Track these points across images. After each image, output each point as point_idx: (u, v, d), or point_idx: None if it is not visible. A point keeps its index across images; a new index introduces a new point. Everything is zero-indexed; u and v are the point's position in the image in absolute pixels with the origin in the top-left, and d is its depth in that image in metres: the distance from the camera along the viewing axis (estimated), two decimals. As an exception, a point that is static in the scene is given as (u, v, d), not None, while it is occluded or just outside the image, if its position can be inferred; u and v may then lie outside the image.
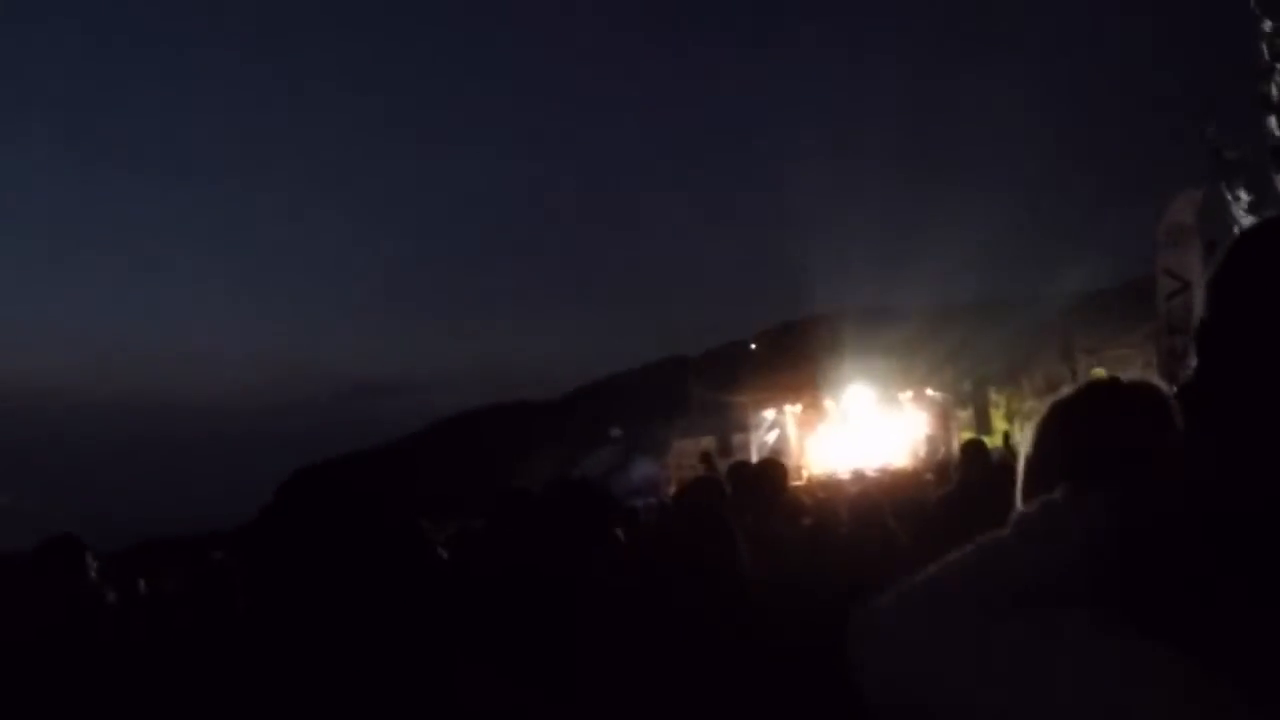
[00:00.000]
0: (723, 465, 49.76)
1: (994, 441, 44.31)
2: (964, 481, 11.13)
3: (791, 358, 54.20)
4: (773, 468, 10.39)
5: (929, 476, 31.00)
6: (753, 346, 61.74)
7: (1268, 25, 16.34)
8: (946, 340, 49.73)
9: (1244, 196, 18.48)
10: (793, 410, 49.21)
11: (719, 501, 8.54)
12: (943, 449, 44.91)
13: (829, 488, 23.58)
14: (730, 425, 51.22)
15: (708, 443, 51.11)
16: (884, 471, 39.22)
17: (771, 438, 49.97)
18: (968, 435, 46.12)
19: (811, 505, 11.92)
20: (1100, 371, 40.73)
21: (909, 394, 48.38)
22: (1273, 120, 15.26)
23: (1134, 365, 42.01)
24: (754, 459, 48.61)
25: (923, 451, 45.70)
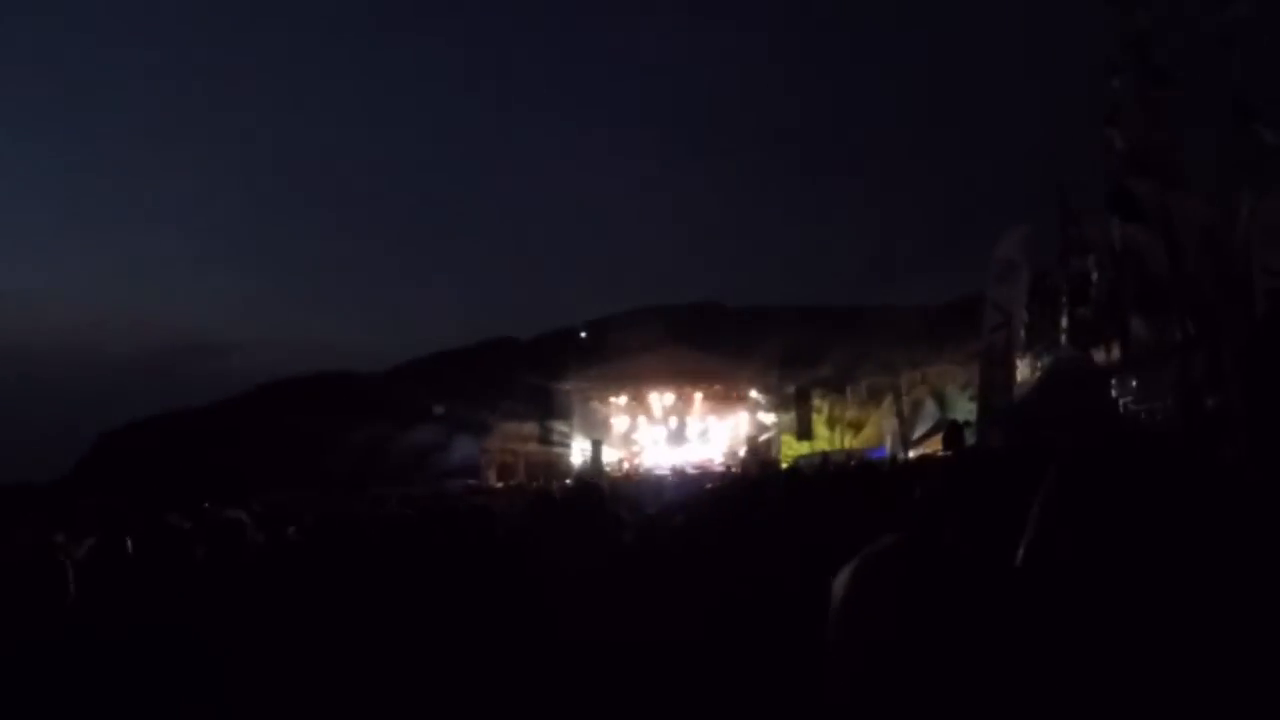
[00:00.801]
0: (543, 451, 50.04)
1: (814, 446, 45.10)
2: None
3: (620, 349, 54.17)
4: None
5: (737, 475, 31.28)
6: (583, 335, 61.61)
7: (1116, 82, 16.75)
8: (773, 342, 50.15)
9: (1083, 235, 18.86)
10: (617, 402, 49.25)
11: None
12: (764, 450, 45.54)
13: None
14: (555, 412, 51.02)
15: (530, 429, 50.93)
16: (702, 470, 39.54)
17: (596, 427, 49.99)
18: (787, 438, 47.03)
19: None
20: (923, 386, 41.68)
21: (734, 394, 48.84)
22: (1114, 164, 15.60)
23: (955, 382, 43.00)
24: (578, 447, 48.88)
25: (742, 452, 46.25)
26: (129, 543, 8.71)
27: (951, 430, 21.94)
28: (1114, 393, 13.01)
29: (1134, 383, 12.70)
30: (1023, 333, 17.87)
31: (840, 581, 2.38)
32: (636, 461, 46.13)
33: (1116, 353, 17.70)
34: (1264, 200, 18.16)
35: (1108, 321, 18.26)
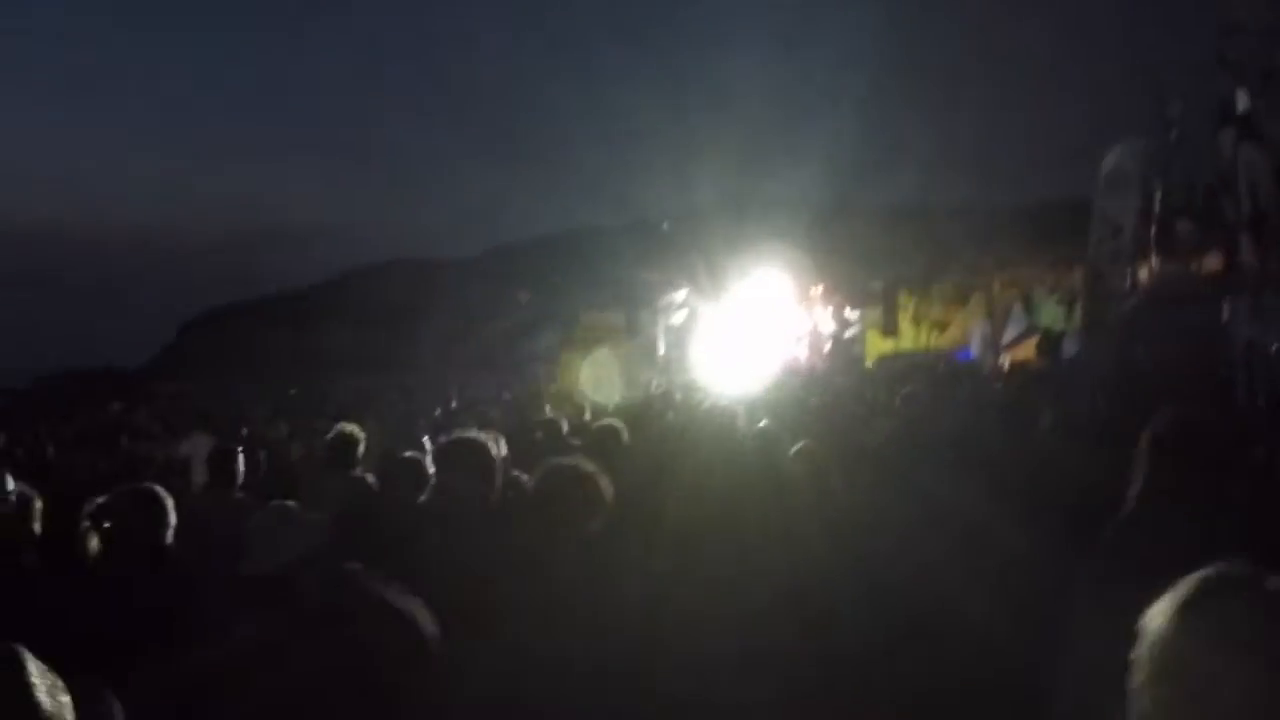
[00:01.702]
0: (630, 340, 50.28)
1: (899, 345, 44.96)
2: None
3: (707, 241, 54.06)
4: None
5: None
6: (665, 226, 61.45)
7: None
8: (860, 238, 49.97)
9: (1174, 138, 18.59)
10: (702, 294, 49.29)
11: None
12: (849, 348, 45.49)
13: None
14: (639, 301, 51.20)
15: (616, 319, 51.14)
16: (789, 366, 39.76)
17: (679, 319, 50.12)
18: (872, 335, 46.89)
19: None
20: (1011, 288, 41.35)
21: (819, 288, 48.62)
22: (1229, 80, 15.35)
23: (1043, 285, 42.56)
24: (660, 341, 49.16)
25: (827, 349, 46.17)
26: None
27: (1046, 340, 21.93)
28: (1225, 314, 13.07)
29: (1246, 307, 12.73)
30: (1133, 246, 17.83)
31: (1163, 619, 2.06)
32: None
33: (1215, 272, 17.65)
34: (1115, 144, 17.93)
35: (1209, 239, 18.18)
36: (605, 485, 5.05)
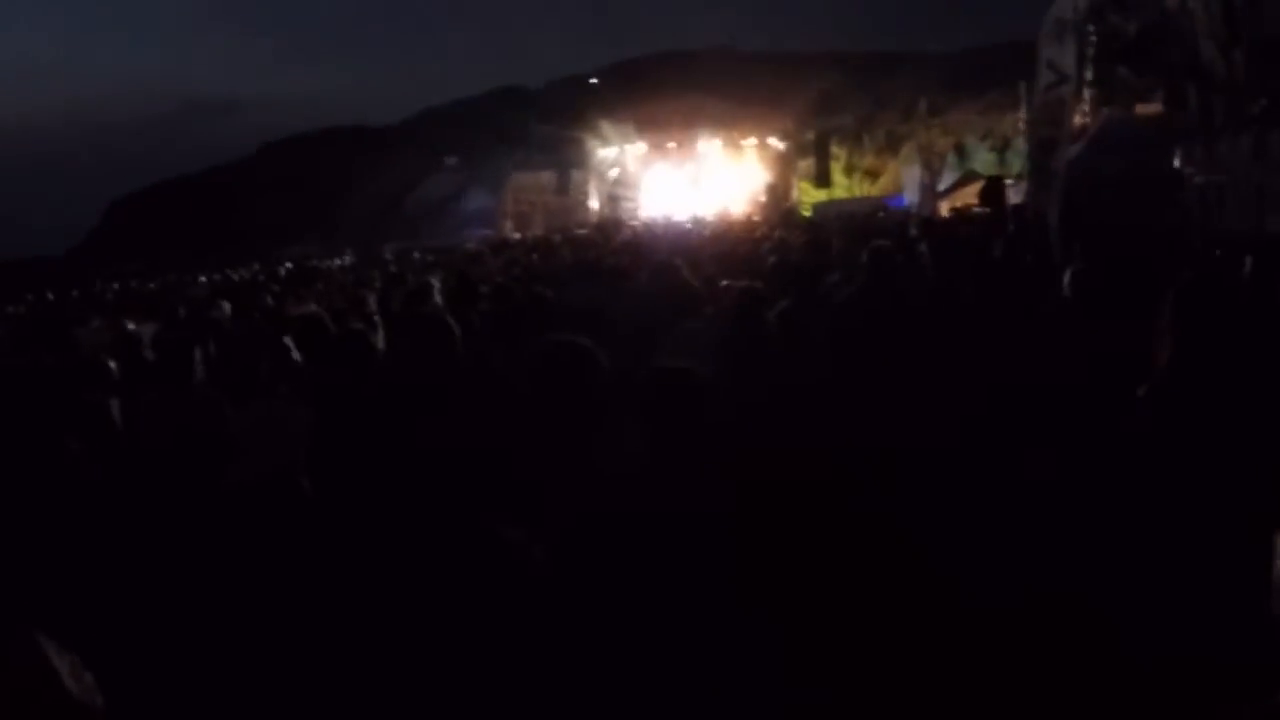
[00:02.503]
0: (560, 201, 50.07)
1: (832, 194, 45.30)
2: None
3: (635, 96, 53.74)
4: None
5: (764, 227, 31.58)
6: (593, 81, 61.04)
7: None
8: (792, 89, 49.82)
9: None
10: (634, 150, 49.12)
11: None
12: (783, 197, 45.65)
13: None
14: (570, 161, 50.87)
15: (547, 179, 50.87)
16: (722, 219, 39.79)
17: (613, 175, 49.93)
18: (805, 185, 47.16)
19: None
20: (943, 134, 41.60)
21: (752, 141, 48.63)
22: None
23: (975, 133, 42.95)
24: (594, 197, 49.03)
25: (762, 199, 46.33)
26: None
27: (991, 187, 22.11)
28: (1176, 161, 13.33)
29: (1196, 152, 12.99)
30: (1084, 93, 17.97)
31: None
32: (654, 212, 46.25)
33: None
34: None
35: (1148, 84, 18.37)
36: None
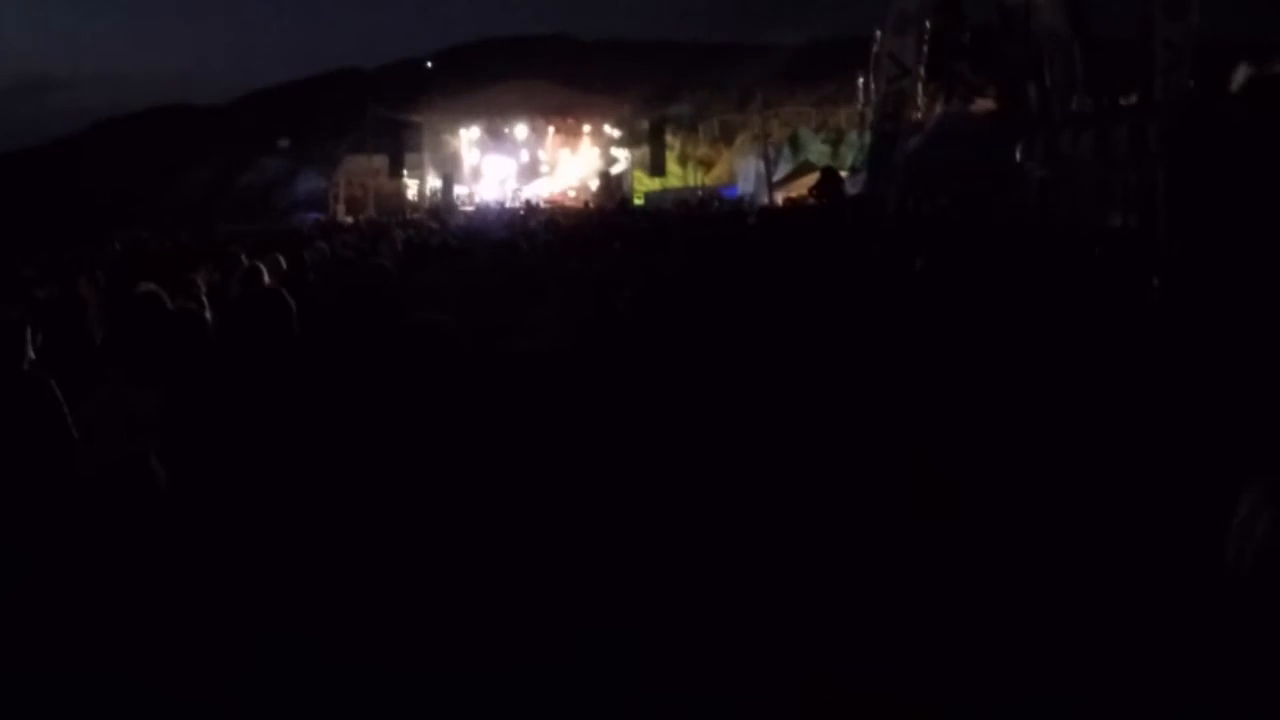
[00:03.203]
0: (393, 185, 49.30)
1: (666, 182, 45.43)
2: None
3: (470, 81, 53.19)
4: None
5: (597, 214, 31.62)
6: (429, 65, 60.28)
7: None
8: (629, 77, 49.82)
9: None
10: (469, 135, 48.71)
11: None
12: (616, 185, 45.76)
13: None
14: (404, 145, 50.14)
15: (380, 163, 50.06)
16: (554, 204, 39.71)
17: (447, 160, 49.48)
18: (639, 174, 47.25)
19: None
20: (777, 126, 41.99)
21: (587, 128, 48.60)
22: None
23: (809, 125, 43.45)
24: (430, 180, 48.43)
25: (594, 185, 46.40)
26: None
27: (828, 178, 22.27)
28: (1017, 154, 13.54)
29: (1036, 147, 13.20)
30: (920, 88, 18.27)
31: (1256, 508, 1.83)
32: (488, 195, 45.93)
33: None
34: None
35: (987, 79, 18.73)
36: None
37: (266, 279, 9.91)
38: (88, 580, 3.79)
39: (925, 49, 18.36)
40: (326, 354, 5.86)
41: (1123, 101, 13.63)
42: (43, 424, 4.98)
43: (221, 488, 4.29)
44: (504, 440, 3.99)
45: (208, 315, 7.34)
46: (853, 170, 26.31)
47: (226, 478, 4.32)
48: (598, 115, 48.69)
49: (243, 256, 16.48)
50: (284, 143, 55.83)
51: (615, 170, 47.65)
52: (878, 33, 20.37)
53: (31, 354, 7.69)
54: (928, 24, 19.05)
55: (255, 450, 4.48)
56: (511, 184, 46.93)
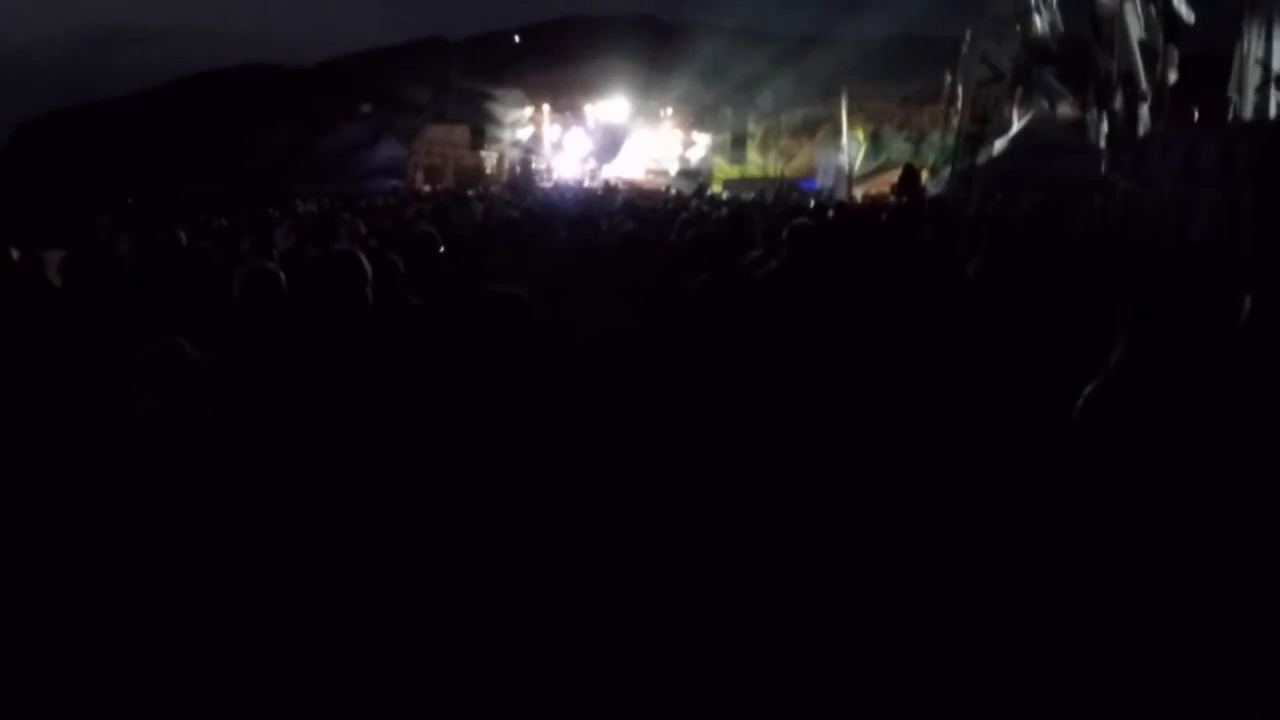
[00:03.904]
0: (473, 157, 49.58)
1: (745, 171, 45.44)
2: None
3: (556, 57, 53.45)
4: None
5: (671, 195, 31.56)
6: (516, 39, 60.54)
7: None
8: (713, 64, 49.76)
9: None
10: (551, 111, 48.92)
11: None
12: (696, 172, 45.79)
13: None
14: (487, 117, 50.44)
15: (460, 134, 50.37)
16: (632, 186, 39.74)
17: (525, 135, 49.68)
18: (719, 160, 47.23)
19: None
20: (861, 122, 41.77)
21: (669, 111, 48.69)
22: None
23: (892, 122, 43.24)
24: (509, 154, 48.67)
25: (673, 169, 46.49)
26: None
27: (909, 176, 22.19)
28: (1103, 166, 13.40)
29: (1124, 160, 13.07)
30: (1017, 91, 18.18)
31: None
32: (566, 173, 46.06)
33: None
34: None
35: (1075, 87, 18.54)
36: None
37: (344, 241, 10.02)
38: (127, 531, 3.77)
39: (1023, 51, 18.26)
40: (398, 325, 5.80)
41: (1212, 118, 13.47)
42: (100, 372, 4.92)
43: (264, 463, 4.24)
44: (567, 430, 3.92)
45: (281, 277, 7.37)
46: (933, 171, 26.17)
47: (271, 453, 4.25)
48: (680, 99, 48.72)
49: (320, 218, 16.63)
50: (366, 108, 56.14)
51: (695, 155, 47.68)
52: (967, 33, 20.25)
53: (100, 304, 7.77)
54: (1019, 28, 18.95)
55: (307, 426, 4.46)
56: (590, 163, 47.06)
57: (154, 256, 12.57)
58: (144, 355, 4.93)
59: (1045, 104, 18.89)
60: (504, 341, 4.14)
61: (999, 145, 16.69)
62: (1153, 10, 14.54)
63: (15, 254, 10.98)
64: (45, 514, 3.94)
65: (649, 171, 46.45)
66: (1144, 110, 14.59)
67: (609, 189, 34.57)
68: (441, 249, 8.86)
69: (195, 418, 4.48)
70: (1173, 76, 14.33)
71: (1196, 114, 13.96)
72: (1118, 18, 15.14)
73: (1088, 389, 4.24)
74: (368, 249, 8.93)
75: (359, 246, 9.46)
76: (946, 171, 20.53)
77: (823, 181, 37.95)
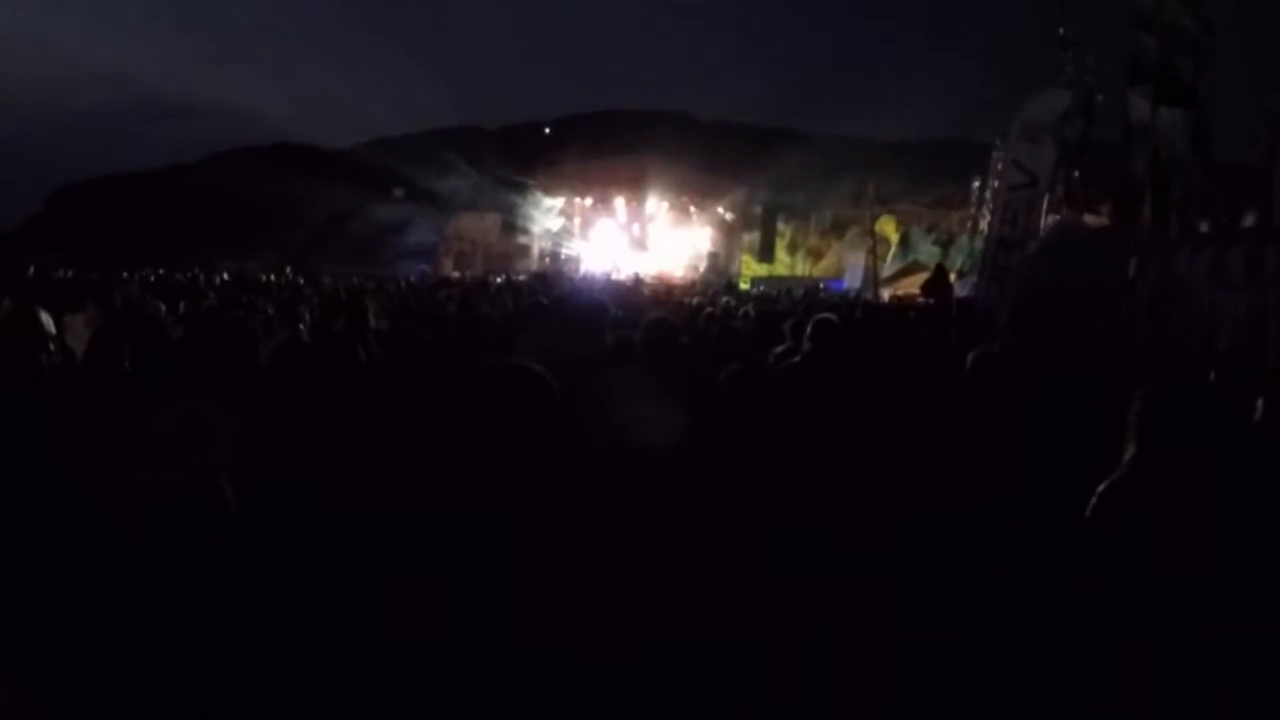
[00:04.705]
0: (502, 244, 49.95)
1: (773, 269, 45.56)
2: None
3: (587, 150, 53.93)
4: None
5: (704, 294, 31.70)
6: (547, 131, 61.21)
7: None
8: (745, 161, 50.09)
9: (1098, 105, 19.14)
10: (581, 203, 49.22)
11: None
12: (724, 267, 45.93)
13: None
14: (516, 206, 50.85)
15: (492, 221, 50.81)
16: (660, 280, 39.84)
17: (555, 225, 49.99)
18: (747, 258, 47.38)
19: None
20: (890, 224, 41.98)
21: (698, 208, 48.94)
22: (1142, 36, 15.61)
23: (921, 224, 43.42)
24: (538, 244, 48.98)
25: (703, 266, 46.62)
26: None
27: (938, 277, 22.16)
28: (1130, 271, 13.36)
29: (1151, 265, 13.04)
30: (1047, 197, 18.20)
31: None
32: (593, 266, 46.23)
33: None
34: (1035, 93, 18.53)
35: (1103, 194, 18.56)
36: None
37: (371, 320, 10.05)
38: (134, 597, 3.73)
39: (1052, 159, 18.29)
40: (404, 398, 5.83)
41: (1240, 225, 13.48)
42: (119, 435, 4.90)
43: (286, 521, 4.24)
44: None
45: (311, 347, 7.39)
46: (960, 274, 26.18)
47: (293, 511, 4.25)
48: (711, 196, 49.00)
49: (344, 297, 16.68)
50: (399, 192, 56.72)
51: (724, 251, 47.88)
52: (997, 140, 20.32)
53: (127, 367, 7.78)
54: (1065, 134, 19.01)
55: (321, 488, 4.44)
56: (620, 255, 47.27)
57: (190, 324, 12.64)
58: (167, 417, 4.90)
59: (1075, 209, 18.91)
60: (513, 412, 4.09)
61: (1029, 250, 16.69)
62: (1183, 118, 14.59)
63: (45, 316, 10.99)
64: (53, 568, 3.89)
65: (678, 267, 46.62)
66: (1173, 217, 14.58)
67: (637, 281, 34.64)
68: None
69: (216, 480, 4.44)
70: (1200, 183, 14.35)
71: (1225, 222, 13.93)
72: (1150, 126, 15.17)
73: (1101, 486, 4.25)
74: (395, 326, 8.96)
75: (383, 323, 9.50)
76: (974, 276, 20.49)
77: (851, 282, 38.00)
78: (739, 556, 3.98)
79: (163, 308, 15.84)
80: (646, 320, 7.64)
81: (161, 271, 28.81)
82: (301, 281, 24.46)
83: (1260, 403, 5.36)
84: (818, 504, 5.18)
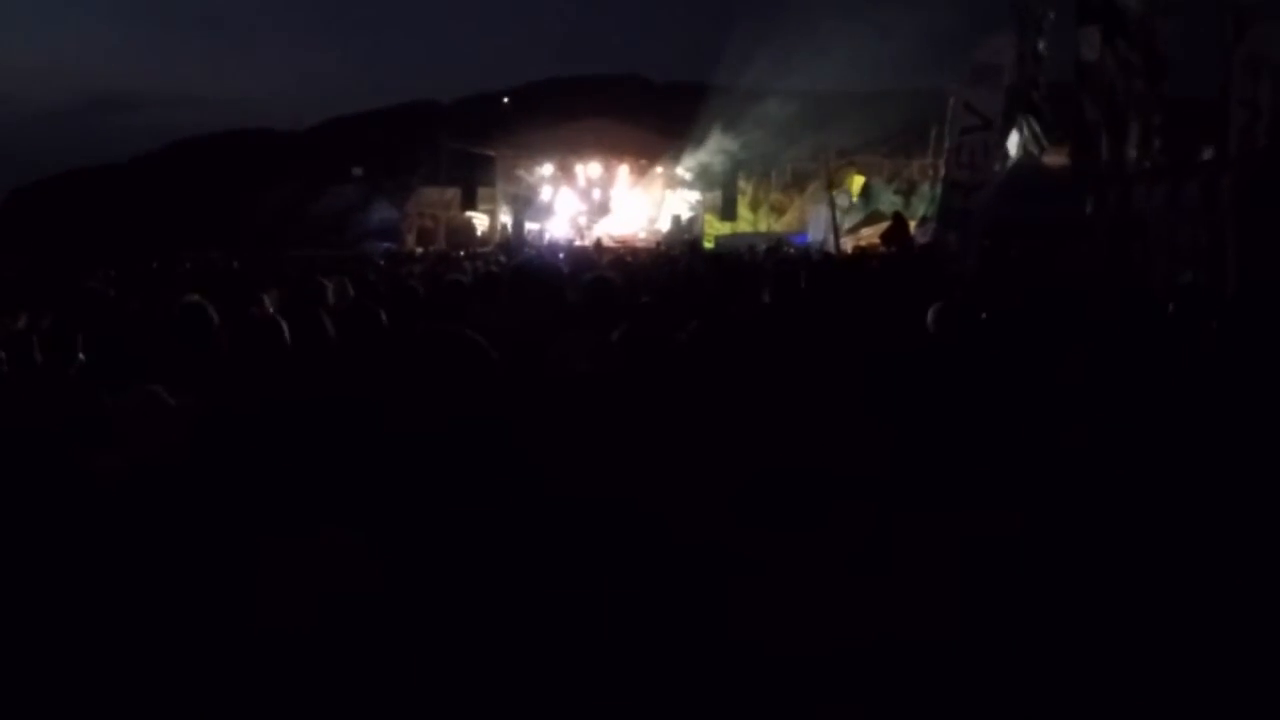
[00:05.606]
0: (464, 218, 49.64)
1: (736, 227, 45.49)
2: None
3: (545, 118, 53.70)
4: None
5: (667, 252, 31.70)
6: (505, 101, 61.00)
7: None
8: (703, 120, 49.86)
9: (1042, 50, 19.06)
10: (541, 171, 48.99)
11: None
12: (687, 228, 45.84)
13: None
14: (477, 178, 50.49)
15: (452, 195, 50.50)
16: (623, 243, 39.82)
17: (518, 195, 49.80)
18: (710, 217, 47.26)
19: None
20: (857, 179, 41.97)
21: (659, 169, 48.75)
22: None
23: (881, 174, 43.37)
24: (501, 215, 48.78)
25: (665, 228, 46.56)
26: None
27: (897, 225, 22.25)
28: (1088, 208, 13.44)
29: (1109, 199, 13.11)
30: (1000, 139, 18.26)
31: None
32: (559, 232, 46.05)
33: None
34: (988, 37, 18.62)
35: (1060, 134, 18.63)
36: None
37: (330, 298, 10.02)
38: (91, 582, 3.73)
39: (1003, 101, 18.34)
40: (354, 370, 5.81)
41: (1197, 158, 13.54)
42: (77, 422, 4.94)
43: (242, 503, 4.21)
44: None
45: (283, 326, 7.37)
46: (923, 220, 26.25)
47: (248, 492, 4.23)
48: (670, 157, 48.81)
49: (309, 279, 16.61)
50: (358, 171, 56.48)
51: (686, 214, 47.73)
52: (953, 85, 20.39)
53: (80, 357, 7.78)
54: (1018, 76, 19.05)
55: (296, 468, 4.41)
56: (582, 221, 47.09)
57: (148, 310, 12.56)
58: (119, 403, 4.93)
59: (1031, 150, 18.98)
60: (446, 378, 4.05)
61: (985, 194, 16.74)
62: (1136, 55, 14.63)
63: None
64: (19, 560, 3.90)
65: (641, 229, 46.56)
66: (1129, 152, 14.64)
67: (600, 246, 34.64)
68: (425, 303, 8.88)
69: (169, 465, 4.46)
70: (1157, 119, 14.41)
71: (1181, 154, 14.03)
72: (1101, 64, 15.21)
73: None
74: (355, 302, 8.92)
75: (347, 305, 9.46)
76: (934, 223, 20.59)
77: (814, 235, 37.97)
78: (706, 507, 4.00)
79: (113, 294, 15.60)
80: (584, 279, 7.62)
81: (119, 269, 28.63)
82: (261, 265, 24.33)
83: (1214, 325, 5.41)
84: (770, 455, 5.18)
